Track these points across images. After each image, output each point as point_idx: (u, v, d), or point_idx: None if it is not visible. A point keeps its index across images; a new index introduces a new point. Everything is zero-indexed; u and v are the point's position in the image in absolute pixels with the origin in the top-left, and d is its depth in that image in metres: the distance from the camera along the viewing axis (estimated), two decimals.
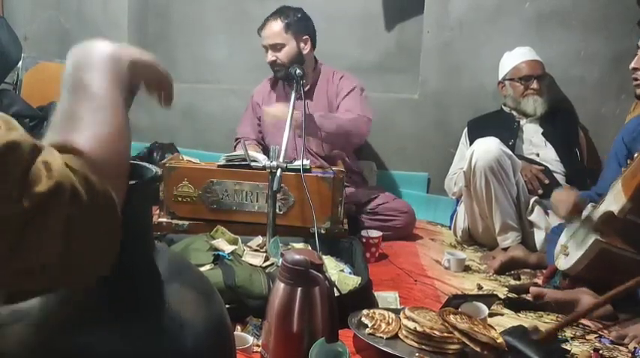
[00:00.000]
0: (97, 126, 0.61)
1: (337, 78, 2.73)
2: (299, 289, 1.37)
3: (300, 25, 2.66)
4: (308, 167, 2.25)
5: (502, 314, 1.87)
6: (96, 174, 0.57)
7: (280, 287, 1.39)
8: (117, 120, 0.64)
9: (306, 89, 2.65)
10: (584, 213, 2.00)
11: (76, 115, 0.62)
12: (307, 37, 2.67)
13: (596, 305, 1.71)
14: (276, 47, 2.63)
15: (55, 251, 0.54)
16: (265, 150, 2.64)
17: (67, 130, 0.60)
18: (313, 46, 2.73)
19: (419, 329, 1.44)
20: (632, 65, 2.08)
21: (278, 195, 2.11)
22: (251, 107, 2.88)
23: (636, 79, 2.07)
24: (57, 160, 0.55)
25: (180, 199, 2.25)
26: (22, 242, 0.52)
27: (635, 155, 1.83)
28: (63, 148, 0.58)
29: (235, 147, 2.82)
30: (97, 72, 0.66)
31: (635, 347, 1.63)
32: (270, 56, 2.66)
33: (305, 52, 2.67)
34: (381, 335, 1.48)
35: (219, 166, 2.30)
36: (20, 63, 3.25)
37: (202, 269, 1.71)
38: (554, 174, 2.64)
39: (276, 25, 2.63)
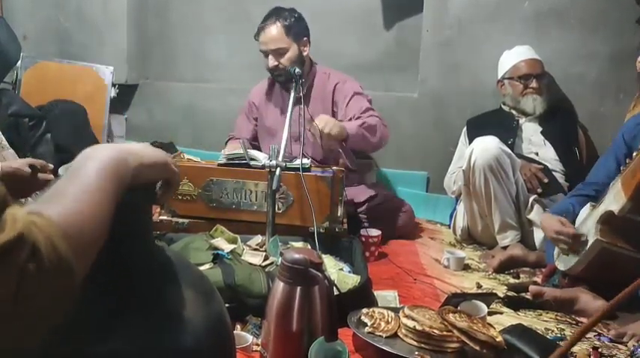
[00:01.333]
0: (74, 202, 0.62)
1: (333, 82, 2.65)
2: (298, 288, 1.37)
3: (300, 26, 2.59)
4: (307, 166, 2.25)
5: (501, 313, 1.87)
6: (62, 238, 0.57)
7: (280, 286, 1.39)
8: (96, 203, 0.64)
9: (302, 93, 2.64)
10: (583, 214, 2.00)
11: (59, 191, 0.63)
12: (306, 38, 2.62)
13: (609, 309, 1.64)
14: (279, 52, 2.54)
15: (1, 305, 0.52)
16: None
17: (44, 202, 0.61)
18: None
19: (418, 327, 1.45)
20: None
21: (277, 194, 2.11)
22: (247, 107, 2.86)
23: None
24: (24, 216, 0.55)
25: (180, 197, 2.25)
26: None
27: (635, 154, 1.83)
28: (32, 211, 0.58)
29: (226, 143, 2.80)
30: (95, 163, 0.68)
31: (634, 345, 1.63)
32: (272, 62, 2.55)
33: (305, 54, 2.62)
34: (381, 333, 1.48)
35: (219, 165, 2.30)
36: (19, 62, 3.25)
37: (202, 268, 1.71)
38: (554, 173, 2.64)
39: (276, 29, 2.54)
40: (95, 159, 0.69)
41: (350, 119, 2.54)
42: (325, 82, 2.67)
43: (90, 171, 0.67)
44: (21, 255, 0.53)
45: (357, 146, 2.49)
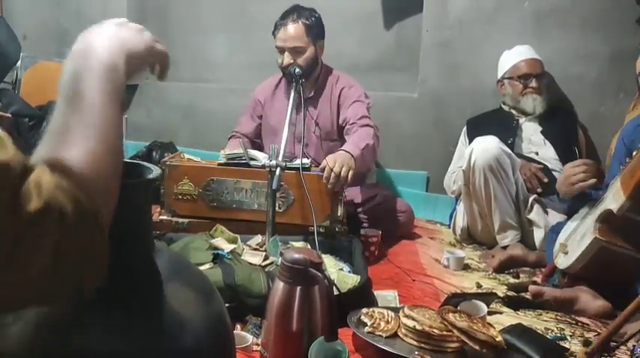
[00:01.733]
0: (89, 141, 0.61)
1: (340, 86, 2.65)
2: (298, 288, 1.37)
3: (319, 27, 2.58)
4: (307, 166, 2.25)
5: (501, 313, 1.88)
6: (85, 192, 0.57)
7: (280, 286, 1.39)
8: (109, 136, 0.63)
9: (310, 95, 2.62)
10: (582, 213, 2.00)
11: (68, 128, 0.61)
12: (322, 41, 2.61)
13: (629, 313, 1.59)
14: (296, 50, 2.51)
15: (41, 269, 0.54)
16: (259, 150, 2.57)
17: (59, 144, 0.60)
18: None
19: (418, 327, 1.45)
20: None
21: (278, 193, 2.12)
22: (252, 105, 2.83)
23: None
24: (47, 180, 0.55)
25: (180, 197, 2.25)
26: (9, 260, 0.52)
27: (634, 153, 1.83)
28: (53, 165, 0.57)
29: (229, 139, 2.80)
30: (93, 81, 0.66)
31: (634, 345, 1.63)
32: (288, 59, 2.52)
33: (320, 56, 2.61)
34: (381, 333, 1.48)
35: (219, 165, 2.30)
36: (19, 62, 3.25)
37: (202, 268, 1.71)
38: (553, 173, 2.64)
39: (297, 28, 2.51)
40: (89, 76, 0.66)
41: (345, 125, 2.55)
42: (334, 85, 2.67)
43: (91, 96, 0.64)
44: (51, 223, 0.54)
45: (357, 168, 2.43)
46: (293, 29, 2.52)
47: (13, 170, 0.53)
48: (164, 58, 0.81)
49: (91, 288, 0.60)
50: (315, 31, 2.56)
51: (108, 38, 0.71)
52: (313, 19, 2.56)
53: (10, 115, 1.43)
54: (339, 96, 2.63)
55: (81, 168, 0.58)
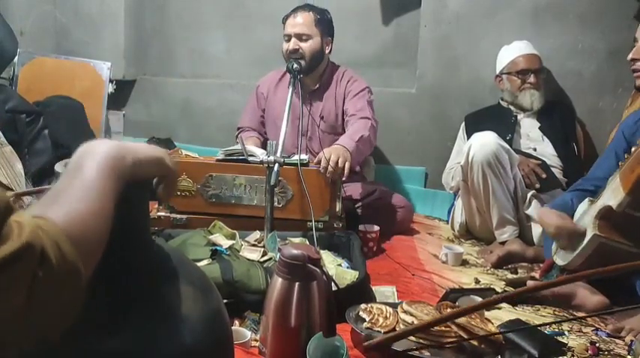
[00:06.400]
0: (76, 203, 0.62)
1: (345, 80, 2.72)
2: (297, 284, 1.37)
3: (329, 25, 2.68)
4: (306, 162, 2.25)
5: (499, 308, 1.88)
6: (67, 242, 0.57)
7: (278, 281, 1.39)
8: (97, 203, 0.65)
9: (315, 88, 2.70)
10: (581, 209, 2.00)
11: (60, 192, 0.64)
12: (330, 38, 2.70)
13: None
14: (302, 37, 2.59)
15: (14, 310, 0.53)
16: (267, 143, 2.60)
17: (46, 204, 0.61)
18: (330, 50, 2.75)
19: (416, 323, 1.45)
20: (631, 56, 2.08)
21: (277, 189, 2.12)
22: (255, 98, 2.85)
23: (635, 70, 2.07)
24: (29, 221, 0.55)
25: (179, 193, 2.25)
26: None
27: (633, 149, 1.83)
28: (37, 216, 0.58)
29: (237, 137, 2.81)
30: (94, 160, 0.69)
31: (631, 340, 1.63)
32: (293, 45, 2.58)
33: (326, 52, 2.69)
34: (379, 329, 1.49)
35: (217, 161, 2.30)
36: (16, 58, 3.24)
37: (200, 264, 1.71)
38: (552, 169, 2.64)
39: (308, 17, 2.62)
40: (94, 156, 0.69)
41: (344, 119, 2.61)
42: (339, 80, 2.73)
43: (89, 169, 0.67)
44: (31, 262, 0.53)
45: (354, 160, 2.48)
46: (302, 17, 2.62)
47: None
48: (172, 172, 0.84)
49: (55, 335, 0.59)
50: (325, 25, 2.65)
51: (117, 142, 0.75)
52: (324, 16, 2.67)
53: None
54: (344, 91, 2.70)
55: (64, 223, 0.59)
